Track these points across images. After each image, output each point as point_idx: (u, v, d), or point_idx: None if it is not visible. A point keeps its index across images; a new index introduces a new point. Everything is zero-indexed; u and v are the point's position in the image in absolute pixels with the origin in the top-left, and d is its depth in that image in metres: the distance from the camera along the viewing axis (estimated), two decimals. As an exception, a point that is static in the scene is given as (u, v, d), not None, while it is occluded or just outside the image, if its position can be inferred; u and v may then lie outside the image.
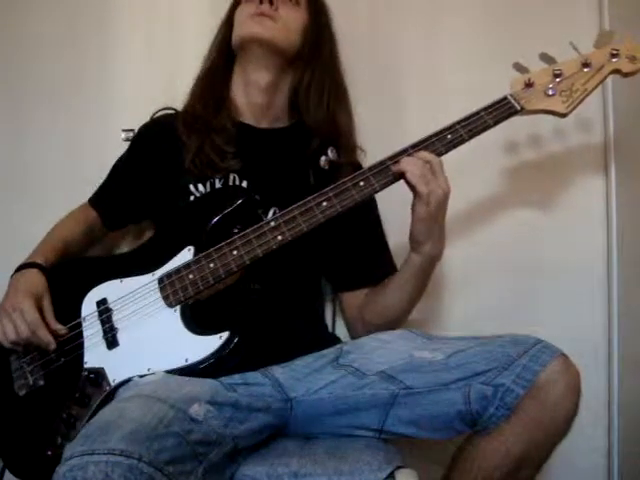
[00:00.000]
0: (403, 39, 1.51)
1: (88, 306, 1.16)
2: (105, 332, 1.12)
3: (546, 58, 1.15)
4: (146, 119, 1.35)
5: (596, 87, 1.14)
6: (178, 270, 1.11)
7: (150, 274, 1.13)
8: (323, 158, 1.23)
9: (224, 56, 1.29)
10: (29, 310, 1.11)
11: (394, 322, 1.22)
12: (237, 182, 1.22)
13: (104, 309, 1.14)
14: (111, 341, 1.11)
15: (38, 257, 1.22)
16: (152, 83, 1.50)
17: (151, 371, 1.05)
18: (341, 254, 1.30)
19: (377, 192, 1.10)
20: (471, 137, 1.10)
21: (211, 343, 1.05)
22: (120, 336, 1.11)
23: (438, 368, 1.01)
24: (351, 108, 1.31)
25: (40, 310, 1.13)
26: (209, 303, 1.12)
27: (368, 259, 1.30)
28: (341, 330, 1.39)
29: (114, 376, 1.08)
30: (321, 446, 1.04)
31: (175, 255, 1.13)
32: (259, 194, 1.17)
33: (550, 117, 1.16)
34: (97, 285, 1.17)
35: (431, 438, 1.03)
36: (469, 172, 1.36)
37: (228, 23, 1.28)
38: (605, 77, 1.15)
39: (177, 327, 1.08)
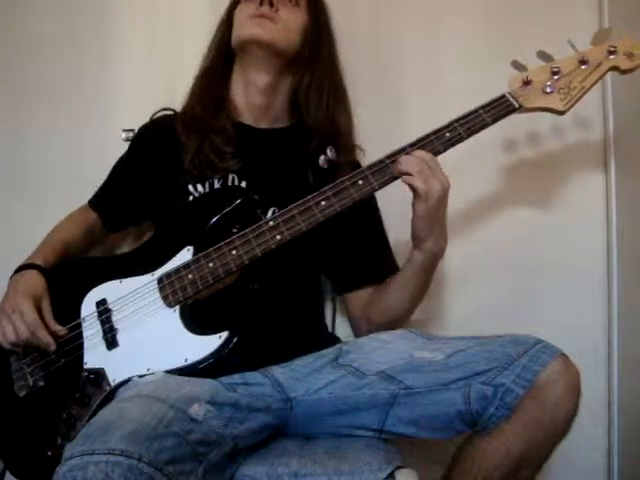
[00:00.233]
0: (403, 39, 1.51)
1: (88, 307, 1.16)
2: (105, 332, 1.12)
3: (544, 56, 1.15)
4: (146, 119, 1.35)
5: (594, 84, 1.14)
6: (177, 270, 1.11)
7: (149, 274, 1.14)
8: (322, 158, 1.23)
9: (223, 56, 1.28)
10: (28, 311, 1.11)
11: (398, 320, 1.22)
12: (236, 182, 1.22)
13: (104, 309, 1.14)
14: (111, 341, 1.11)
15: (37, 258, 1.22)
16: (152, 83, 1.50)
17: (151, 371, 1.05)
18: (343, 253, 1.30)
19: (376, 191, 1.10)
20: (469, 135, 1.10)
21: (210, 343, 1.05)
22: (120, 336, 1.11)
23: (438, 368, 1.01)
24: (350, 108, 1.31)
25: (39, 311, 1.13)
26: (208, 303, 1.12)
27: (371, 257, 1.30)
28: (341, 330, 1.40)
29: (114, 376, 1.08)
30: (321, 446, 1.04)
31: (174, 255, 1.13)
32: (258, 194, 1.17)
33: (549, 115, 1.16)
34: (97, 286, 1.17)
35: (431, 438, 1.03)
36: (468, 171, 1.36)
37: (227, 22, 1.28)
38: (603, 74, 1.15)
39: (176, 327, 1.08)
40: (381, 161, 1.09)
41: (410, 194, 1.08)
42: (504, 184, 1.47)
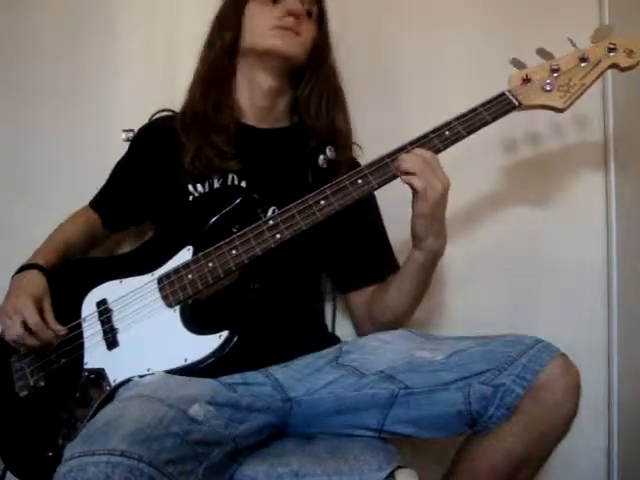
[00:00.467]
0: (403, 39, 1.51)
1: (88, 307, 1.16)
2: (105, 332, 1.12)
3: (543, 53, 1.14)
4: (146, 119, 1.35)
5: (594, 82, 1.14)
6: (177, 270, 1.11)
7: (149, 274, 1.14)
8: (321, 157, 1.23)
9: (229, 56, 1.26)
10: (30, 312, 1.11)
11: (400, 319, 1.22)
12: (236, 182, 1.22)
13: (104, 309, 1.14)
14: (111, 341, 1.11)
15: (39, 258, 1.22)
16: (152, 83, 1.50)
17: (151, 371, 1.05)
18: (343, 252, 1.30)
19: (375, 189, 1.10)
20: (469, 133, 1.10)
21: (210, 343, 1.05)
22: (120, 336, 1.12)
23: (438, 368, 1.01)
24: (347, 107, 1.31)
25: (40, 311, 1.13)
26: (208, 303, 1.12)
27: (372, 256, 1.30)
28: (341, 330, 1.40)
29: (114, 376, 1.08)
30: (321, 446, 1.04)
31: (174, 255, 1.13)
32: (258, 194, 1.17)
33: (549, 114, 1.16)
34: (97, 286, 1.17)
35: (431, 438, 1.03)
36: (467, 171, 1.35)
37: (236, 22, 1.25)
38: (603, 72, 1.14)
39: (176, 327, 1.08)
40: (380, 159, 1.09)
41: (409, 193, 1.08)
42: (504, 184, 1.47)
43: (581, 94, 1.13)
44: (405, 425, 1.03)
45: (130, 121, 1.39)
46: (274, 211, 1.17)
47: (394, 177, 1.09)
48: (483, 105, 1.11)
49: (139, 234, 1.45)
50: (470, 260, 1.46)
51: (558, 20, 1.42)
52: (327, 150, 1.24)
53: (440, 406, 1.00)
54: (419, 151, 1.07)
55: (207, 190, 1.21)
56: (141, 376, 1.06)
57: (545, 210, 1.46)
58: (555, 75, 1.13)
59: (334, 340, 1.25)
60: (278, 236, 1.07)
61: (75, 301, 1.17)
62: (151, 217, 1.33)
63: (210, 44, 1.29)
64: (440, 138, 1.09)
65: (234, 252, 1.08)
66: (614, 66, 1.14)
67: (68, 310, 1.16)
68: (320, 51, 1.27)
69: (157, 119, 1.34)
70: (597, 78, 1.14)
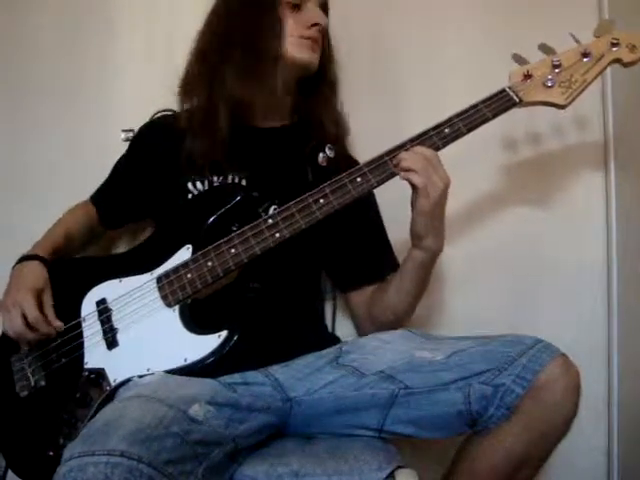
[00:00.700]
0: (403, 39, 1.50)
1: (88, 306, 1.16)
2: (105, 332, 1.13)
3: (545, 49, 1.14)
4: (146, 119, 1.35)
5: (596, 78, 1.13)
6: (176, 269, 1.11)
7: (149, 273, 1.14)
8: (321, 155, 1.23)
9: (265, 61, 1.20)
10: (30, 307, 1.11)
11: (401, 318, 1.22)
12: (236, 180, 1.22)
13: (103, 309, 1.14)
14: (111, 341, 1.11)
15: (40, 250, 1.22)
16: (152, 83, 1.49)
17: (151, 371, 1.05)
18: (343, 251, 1.30)
19: (374, 188, 1.10)
20: (469, 130, 1.09)
21: (210, 342, 1.05)
22: (120, 336, 1.12)
23: (438, 368, 1.01)
24: (342, 105, 1.30)
25: (40, 304, 1.13)
26: (208, 302, 1.12)
27: (372, 255, 1.30)
28: (341, 330, 1.39)
29: (114, 376, 1.08)
30: (321, 446, 1.04)
31: (173, 254, 1.13)
32: (258, 192, 1.17)
33: (549, 113, 1.16)
34: (96, 285, 1.17)
35: (431, 438, 1.03)
36: (467, 170, 1.35)
37: (276, 29, 1.19)
38: (605, 67, 1.13)
39: (176, 327, 1.08)
40: (380, 158, 1.09)
41: (408, 193, 1.08)
42: (504, 183, 1.47)
43: (583, 90, 1.12)
44: (405, 425, 1.03)
45: (130, 121, 1.39)
46: (274, 209, 1.17)
47: (393, 175, 1.08)
48: (484, 101, 1.11)
49: (135, 233, 1.46)
50: (470, 260, 1.46)
51: (558, 20, 1.41)
52: (327, 149, 1.24)
53: (440, 406, 0.99)
54: (419, 149, 1.07)
55: (207, 188, 1.21)
56: (141, 376, 1.06)
57: (545, 210, 1.46)
58: (557, 71, 1.12)
59: (334, 340, 1.25)
60: (277, 235, 1.07)
61: (75, 300, 1.17)
62: (151, 215, 1.33)
63: (229, 42, 1.21)
64: (440, 135, 1.09)
65: (233, 251, 1.08)
66: (617, 61, 1.13)
67: (68, 309, 1.16)
68: (327, 59, 1.28)
69: (158, 118, 1.34)
70: (599, 74, 1.13)
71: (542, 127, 1.42)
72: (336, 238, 1.26)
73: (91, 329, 1.14)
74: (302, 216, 1.07)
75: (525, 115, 1.16)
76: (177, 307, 1.10)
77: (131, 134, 1.37)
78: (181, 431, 0.85)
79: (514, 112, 1.13)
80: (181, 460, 0.83)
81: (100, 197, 1.37)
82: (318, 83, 1.28)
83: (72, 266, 1.26)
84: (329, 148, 1.24)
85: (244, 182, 1.22)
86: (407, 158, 1.06)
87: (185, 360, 1.04)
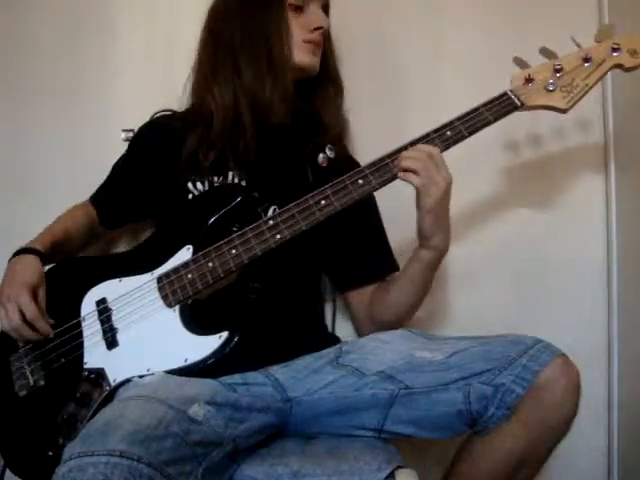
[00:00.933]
0: (404, 39, 1.50)
1: (87, 306, 1.16)
2: (105, 332, 1.12)
3: (546, 53, 1.14)
4: (146, 119, 1.34)
5: (597, 82, 1.13)
6: (177, 270, 1.11)
7: (149, 273, 1.13)
8: (321, 156, 1.24)
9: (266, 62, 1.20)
10: (27, 303, 1.11)
11: (402, 318, 1.22)
12: (236, 180, 1.22)
13: (103, 309, 1.14)
14: (111, 341, 1.11)
15: (37, 244, 1.21)
16: (152, 83, 1.50)
17: (151, 371, 1.05)
18: (343, 252, 1.30)
19: (375, 190, 1.10)
20: (471, 133, 1.09)
21: (210, 343, 1.05)
22: (120, 336, 1.11)
23: (438, 368, 1.01)
24: (344, 106, 1.31)
25: (35, 300, 1.13)
26: (208, 302, 1.12)
27: (371, 255, 1.30)
28: (341, 330, 1.39)
29: (114, 376, 1.08)
30: (321, 446, 1.04)
31: (174, 254, 1.13)
32: (258, 192, 1.17)
33: (550, 116, 1.16)
34: (96, 284, 1.17)
35: (431, 438, 1.03)
36: (469, 172, 1.35)
37: (286, 31, 1.19)
38: (606, 72, 1.13)
39: (176, 327, 1.08)
40: (381, 160, 1.09)
41: (408, 195, 1.08)
42: (505, 185, 1.47)
43: (584, 94, 1.12)
44: (405, 425, 1.03)
45: (130, 121, 1.39)
46: (274, 210, 1.17)
47: (394, 178, 1.08)
48: (485, 105, 1.11)
49: (135, 233, 1.45)
50: (472, 260, 1.46)
51: (558, 20, 1.42)
52: (327, 149, 1.24)
53: (440, 406, 0.99)
54: (423, 146, 1.07)
55: (207, 188, 1.21)
56: (141, 376, 1.05)
57: (546, 211, 1.46)
58: (558, 75, 1.12)
59: (334, 340, 1.25)
60: (278, 236, 1.07)
61: (74, 299, 1.17)
62: (151, 215, 1.33)
63: (240, 44, 1.21)
64: (442, 138, 1.09)
65: (234, 252, 1.08)
66: (618, 66, 1.14)
67: (67, 309, 1.16)
68: (328, 60, 1.28)
69: (157, 117, 1.34)
70: (600, 78, 1.13)
71: (543, 129, 1.42)
72: (336, 239, 1.26)
73: (91, 329, 1.14)
74: (303, 217, 1.07)
75: (526, 117, 1.16)
76: (177, 307, 1.10)
77: (131, 134, 1.37)
78: (181, 431, 0.85)
79: (515, 114, 1.13)
80: (181, 460, 0.83)
81: (100, 198, 1.37)
82: (319, 83, 1.28)
83: (72, 265, 1.25)
84: (329, 149, 1.24)
85: (244, 182, 1.22)
86: (407, 158, 1.06)
87: (185, 360, 1.04)
